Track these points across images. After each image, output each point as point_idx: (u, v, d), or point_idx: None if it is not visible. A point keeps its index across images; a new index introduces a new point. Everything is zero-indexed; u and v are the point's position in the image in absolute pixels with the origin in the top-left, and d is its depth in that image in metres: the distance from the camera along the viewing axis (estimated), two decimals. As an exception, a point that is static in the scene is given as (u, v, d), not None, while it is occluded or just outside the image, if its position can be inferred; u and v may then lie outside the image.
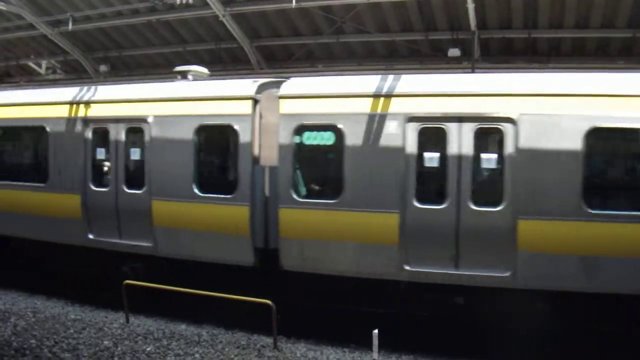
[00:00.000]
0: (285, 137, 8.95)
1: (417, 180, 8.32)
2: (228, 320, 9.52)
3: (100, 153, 10.52)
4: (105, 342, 8.55)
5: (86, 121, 10.52)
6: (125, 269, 10.30)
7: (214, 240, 9.41)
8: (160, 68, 19.80)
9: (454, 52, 15.18)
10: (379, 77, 9.02)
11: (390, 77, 8.88)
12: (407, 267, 8.35)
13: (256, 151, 9.30)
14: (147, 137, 9.98)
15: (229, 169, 9.83)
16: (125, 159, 10.28)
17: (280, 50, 17.81)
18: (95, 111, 10.51)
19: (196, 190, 9.49)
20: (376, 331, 7.72)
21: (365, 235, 8.53)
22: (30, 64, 21.40)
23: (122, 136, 10.26)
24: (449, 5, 14.52)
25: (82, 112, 10.58)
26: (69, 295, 10.99)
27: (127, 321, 9.68)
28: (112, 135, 10.34)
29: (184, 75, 10.99)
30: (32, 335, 8.72)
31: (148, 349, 8.38)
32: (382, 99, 8.54)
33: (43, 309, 10.31)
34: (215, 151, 10.24)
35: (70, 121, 10.68)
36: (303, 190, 9.02)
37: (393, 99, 8.50)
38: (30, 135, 11.78)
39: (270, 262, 9.22)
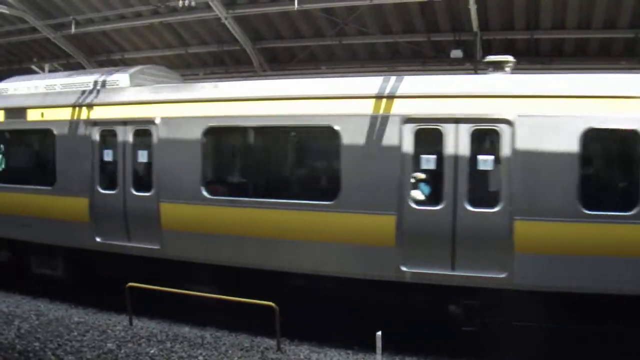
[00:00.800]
0: None
1: None
2: (231, 323, 9.51)
3: (427, 162, 8.33)
4: (109, 345, 8.57)
5: (406, 120, 8.34)
6: (454, 308, 8.42)
7: (600, 266, 7.63)
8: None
9: (456, 53, 15.15)
10: None
11: None
12: None
13: None
14: (504, 142, 7.95)
15: (628, 181, 7.96)
16: (468, 169, 8.14)
17: (282, 52, 17.81)
18: (416, 108, 8.37)
19: (582, 208, 7.67)
20: (380, 333, 7.70)
21: None
22: (34, 67, 21.41)
23: (465, 140, 8.12)
24: (451, 7, 14.50)
25: (396, 108, 8.42)
26: (72, 298, 10.97)
27: (131, 324, 9.68)
28: (449, 139, 8.18)
29: (498, 66, 8.88)
30: (35, 338, 8.74)
31: (151, 351, 8.39)
32: None
33: (46, 312, 10.32)
34: (609, 159, 8.44)
35: (377, 120, 8.44)
36: None
37: None
38: (307, 136, 9.51)
39: None
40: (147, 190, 9.86)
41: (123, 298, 9.57)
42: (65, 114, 10.74)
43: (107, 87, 10.72)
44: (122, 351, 8.34)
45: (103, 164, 10.38)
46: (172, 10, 16.42)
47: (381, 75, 9.35)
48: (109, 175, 10.34)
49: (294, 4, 14.55)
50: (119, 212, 10.05)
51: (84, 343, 8.62)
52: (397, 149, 8.34)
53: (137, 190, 9.97)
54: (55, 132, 10.76)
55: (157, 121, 9.79)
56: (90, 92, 10.75)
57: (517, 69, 9.35)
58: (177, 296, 9.22)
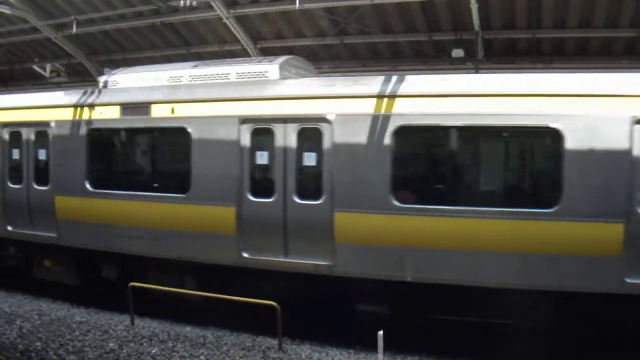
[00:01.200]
0: None
1: None
2: (233, 322, 9.52)
3: None
4: (111, 345, 8.58)
5: (638, 121, 7.55)
6: None
7: None
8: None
9: (457, 52, 15.14)
10: None
11: None
12: None
13: None
14: None
15: None
16: None
17: (283, 51, 17.73)
18: None
19: None
20: (381, 332, 7.71)
21: None
22: (35, 67, 21.43)
23: None
24: (452, 6, 14.50)
25: (626, 108, 7.61)
26: (74, 298, 11.00)
27: (133, 323, 9.70)
28: None
29: None
30: (37, 337, 8.76)
31: (153, 351, 8.40)
32: None
33: (48, 312, 10.35)
34: None
35: (602, 120, 7.64)
36: None
37: None
38: (520, 137, 8.40)
39: None
40: (316, 198, 8.70)
41: (125, 298, 9.58)
42: (203, 110, 9.45)
43: (253, 79, 9.57)
44: (124, 351, 8.35)
45: (254, 167, 9.19)
46: (174, 10, 16.43)
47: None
48: (262, 180, 9.20)
49: (295, 4, 14.55)
50: (276, 223, 8.88)
51: (85, 343, 8.64)
52: (627, 151, 7.57)
53: (302, 198, 8.80)
54: (190, 130, 9.43)
55: (331, 118, 8.60)
56: (233, 84, 9.61)
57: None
58: (179, 296, 9.23)
